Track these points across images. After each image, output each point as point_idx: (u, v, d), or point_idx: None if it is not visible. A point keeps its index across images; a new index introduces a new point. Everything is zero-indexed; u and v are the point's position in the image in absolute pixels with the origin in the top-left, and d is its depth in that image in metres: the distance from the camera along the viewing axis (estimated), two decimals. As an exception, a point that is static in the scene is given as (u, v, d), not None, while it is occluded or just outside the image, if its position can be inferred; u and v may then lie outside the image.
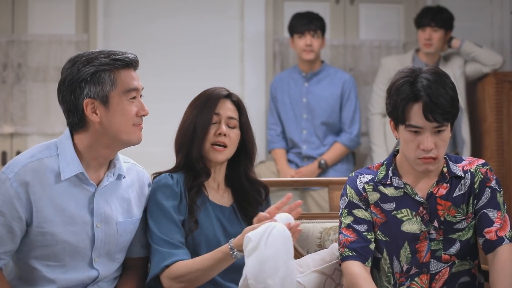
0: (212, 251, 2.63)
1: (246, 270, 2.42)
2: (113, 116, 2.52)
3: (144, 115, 2.61)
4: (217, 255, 2.60)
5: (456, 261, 2.66)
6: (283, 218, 2.52)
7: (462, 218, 2.66)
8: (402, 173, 2.70)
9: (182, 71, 5.55)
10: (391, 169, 2.72)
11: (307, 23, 5.19)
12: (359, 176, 2.76)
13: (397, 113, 2.62)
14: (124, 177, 2.67)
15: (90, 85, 2.49)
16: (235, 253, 2.55)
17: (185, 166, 2.83)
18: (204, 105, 2.86)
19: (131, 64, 2.56)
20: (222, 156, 2.83)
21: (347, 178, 2.83)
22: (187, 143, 2.83)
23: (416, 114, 2.57)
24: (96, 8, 5.45)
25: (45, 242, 2.50)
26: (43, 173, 2.49)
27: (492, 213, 2.65)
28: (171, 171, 2.84)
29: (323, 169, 5.20)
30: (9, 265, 2.58)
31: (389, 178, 2.71)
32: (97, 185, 2.58)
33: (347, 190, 2.74)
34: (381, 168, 2.75)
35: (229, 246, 2.57)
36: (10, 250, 2.49)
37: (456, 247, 2.66)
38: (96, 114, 2.50)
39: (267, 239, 2.41)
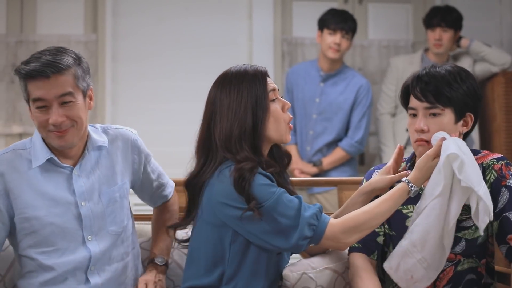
0: (384, 195, 2.55)
1: (466, 181, 2.46)
2: (32, 119, 2.54)
3: (53, 124, 2.48)
4: (393, 195, 2.54)
5: (462, 259, 2.62)
6: (441, 135, 2.59)
7: (468, 216, 2.58)
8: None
9: (190, 71, 5.55)
10: (409, 165, 2.74)
11: (341, 21, 5.11)
12: (376, 170, 2.80)
13: (402, 99, 2.70)
14: (105, 146, 2.65)
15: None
16: (413, 188, 2.53)
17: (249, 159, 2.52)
18: (256, 84, 2.58)
19: (33, 75, 2.47)
20: None
21: (355, 178, 2.82)
22: (249, 131, 2.53)
23: (413, 96, 2.64)
24: (105, 8, 5.45)
25: (32, 228, 2.51)
26: (17, 162, 2.53)
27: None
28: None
29: (319, 168, 5.14)
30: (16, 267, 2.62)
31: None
32: (77, 161, 2.59)
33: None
34: (402, 164, 2.77)
35: (406, 182, 2.54)
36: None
37: (461, 245, 2.62)
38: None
39: (461, 149, 2.50)
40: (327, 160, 5.15)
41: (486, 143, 5.36)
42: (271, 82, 2.61)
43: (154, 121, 5.42)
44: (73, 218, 2.54)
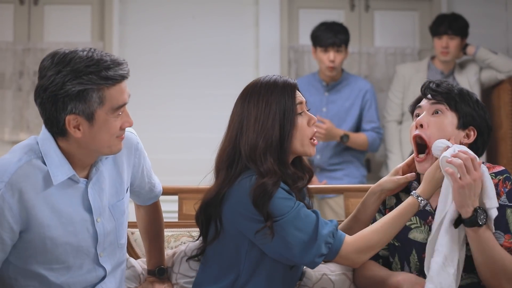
0: (393, 210, 2.55)
1: None
2: (97, 133, 2.32)
3: (128, 127, 2.41)
4: (403, 211, 2.52)
5: (463, 275, 2.56)
6: (442, 143, 2.55)
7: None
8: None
9: (197, 79, 5.56)
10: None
11: (331, 37, 5.07)
12: None
13: (413, 107, 2.74)
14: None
15: (75, 102, 2.27)
16: (423, 202, 2.52)
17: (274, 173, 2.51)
18: (284, 97, 2.55)
19: (123, 79, 2.33)
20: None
21: (362, 185, 2.82)
22: (276, 144, 2.52)
23: (423, 95, 2.71)
24: (112, 16, 5.47)
25: (44, 247, 2.35)
26: (34, 176, 2.31)
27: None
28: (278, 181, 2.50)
29: (342, 142, 5.08)
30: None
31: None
32: (88, 172, 2.43)
33: None
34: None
35: (415, 196, 2.52)
36: (1, 259, 2.35)
37: None
38: (79, 130, 2.31)
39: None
40: (352, 136, 5.10)
41: (492, 151, 5.35)
42: (300, 95, 2.59)
43: (160, 128, 5.42)
44: (89, 236, 2.43)
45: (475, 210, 2.42)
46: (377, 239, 2.50)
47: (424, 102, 2.69)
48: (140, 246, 2.98)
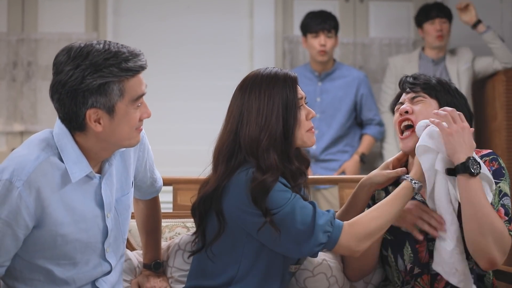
0: (389, 195, 2.52)
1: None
2: (117, 125, 2.32)
3: (146, 118, 2.40)
4: (398, 194, 2.50)
5: None
6: (424, 123, 2.56)
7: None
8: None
9: (191, 70, 5.56)
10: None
11: (321, 22, 5.15)
12: None
13: (393, 104, 2.77)
14: None
15: (96, 96, 2.25)
16: (416, 184, 2.50)
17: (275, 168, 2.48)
18: (286, 90, 2.53)
19: (142, 69, 2.33)
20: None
21: (356, 176, 2.81)
22: (279, 139, 2.50)
23: (401, 90, 2.74)
24: (106, 7, 5.46)
25: (54, 243, 2.34)
26: (51, 175, 2.30)
27: None
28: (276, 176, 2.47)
29: (364, 161, 5.23)
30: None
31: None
32: (100, 167, 2.43)
33: None
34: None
35: (408, 179, 2.51)
36: (13, 254, 2.34)
37: None
38: (100, 124, 2.30)
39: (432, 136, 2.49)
40: (366, 150, 5.27)
41: (487, 142, 5.35)
42: (300, 90, 2.57)
43: (154, 119, 5.37)
44: (98, 232, 2.42)
45: (468, 158, 2.42)
46: (375, 224, 2.46)
47: (403, 96, 2.70)
48: (134, 237, 2.98)
